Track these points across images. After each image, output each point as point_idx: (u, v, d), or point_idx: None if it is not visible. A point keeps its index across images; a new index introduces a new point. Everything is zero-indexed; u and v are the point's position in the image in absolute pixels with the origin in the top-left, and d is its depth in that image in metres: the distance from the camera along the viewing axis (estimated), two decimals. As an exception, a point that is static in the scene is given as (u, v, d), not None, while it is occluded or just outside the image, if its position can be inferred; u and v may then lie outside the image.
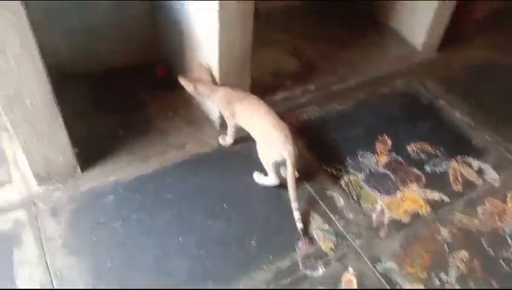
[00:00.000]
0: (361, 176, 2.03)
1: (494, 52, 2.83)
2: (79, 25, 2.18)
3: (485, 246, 1.83)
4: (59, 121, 1.66)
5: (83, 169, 1.90)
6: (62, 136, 1.71)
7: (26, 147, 1.68)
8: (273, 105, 2.16)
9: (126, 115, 2.19)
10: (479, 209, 1.96)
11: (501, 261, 1.79)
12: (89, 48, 2.26)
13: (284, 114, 2.14)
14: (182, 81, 1.93)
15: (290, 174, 1.74)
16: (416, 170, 2.09)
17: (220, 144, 2.09)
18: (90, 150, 1.95)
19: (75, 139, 1.81)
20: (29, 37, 1.40)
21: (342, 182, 1.99)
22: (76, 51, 2.21)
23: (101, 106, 2.21)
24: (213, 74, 1.95)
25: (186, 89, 1.93)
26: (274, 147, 1.77)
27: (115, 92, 2.28)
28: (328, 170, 2.04)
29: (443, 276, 1.72)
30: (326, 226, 1.83)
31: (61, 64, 1.85)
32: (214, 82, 1.95)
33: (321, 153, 2.11)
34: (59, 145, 1.73)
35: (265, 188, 1.92)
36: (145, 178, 1.93)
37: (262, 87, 2.28)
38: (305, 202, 1.88)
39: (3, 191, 1.83)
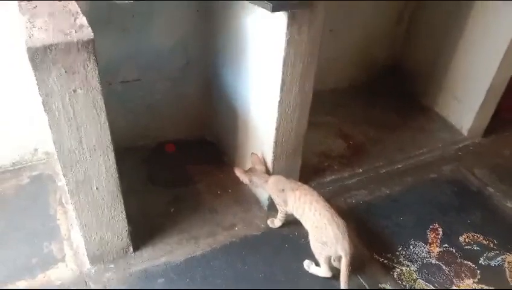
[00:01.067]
0: (414, 267, 1.97)
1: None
2: (138, 105, 2.28)
3: None
4: (120, 206, 1.69)
5: (135, 248, 1.90)
6: (121, 220, 1.74)
7: (85, 228, 1.71)
8: (321, 187, 2.17)
9: (177, 189, 2.24)
10: (540, 310, 1.87)
11: None
12: (145, 124, 2.36)
13: (331, 197, 2.14)
14: (238, 172, 1.99)
15: (344, 271, 1.69)
16: (470, 263, 2.02)
17: (268, 226, 2.08)
18: (142, 227, 1.97)
19: (129, 215, 1.81)
20: (105, 132, 1.46)
21: (395, 274, 1.94)
22: (133, 127, 2.31)
23: (153, 181, 2.27)
24: (266, 162, 2.00)
25: (241, 180, 1.98)
26: (329, 243, 1.73)
27: (167, 166, 2.36)
28: (380, 259, 1.99)
29: None
30: (381, 323, 1.76)
31: (118, 140, 1.92)
32: (267, 171, 1.99)
33: (371, 240, 2.07)
34: (117, 228, 1.75)
35: (316, 278, 1.87)
36: (194, 260, 1.92)
37: (309, 169, 2.31)
38: (358, 295, 1.83)
39: (56, 268, 1.84)
